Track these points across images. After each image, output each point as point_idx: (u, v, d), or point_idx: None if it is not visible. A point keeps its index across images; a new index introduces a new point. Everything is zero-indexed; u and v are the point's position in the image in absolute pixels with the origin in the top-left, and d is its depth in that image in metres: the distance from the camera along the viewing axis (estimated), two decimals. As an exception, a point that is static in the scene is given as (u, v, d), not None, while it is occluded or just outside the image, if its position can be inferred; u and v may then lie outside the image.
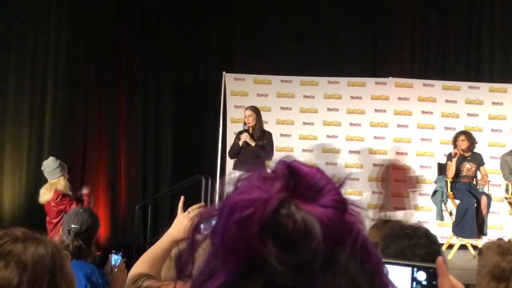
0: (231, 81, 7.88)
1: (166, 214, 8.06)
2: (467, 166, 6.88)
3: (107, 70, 8.01)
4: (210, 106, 8.15)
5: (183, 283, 0.72)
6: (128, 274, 2.05)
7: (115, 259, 3.31)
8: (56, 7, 7.45)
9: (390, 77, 7.79)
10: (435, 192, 6.97)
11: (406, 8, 8.51)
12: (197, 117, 8.47)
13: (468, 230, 6.56)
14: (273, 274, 0.60)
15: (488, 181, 6.95)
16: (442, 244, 6.67)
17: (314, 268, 0.60)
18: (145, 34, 8.35)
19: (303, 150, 7.71)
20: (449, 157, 6.92)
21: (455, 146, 6.87)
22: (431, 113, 7.76)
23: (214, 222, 0.65)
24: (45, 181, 5.69)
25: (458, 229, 6.67)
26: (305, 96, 7.87)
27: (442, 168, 7.12)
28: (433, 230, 2.08)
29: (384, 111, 7.78)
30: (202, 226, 0.67)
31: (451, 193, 6.85)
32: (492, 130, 7.68)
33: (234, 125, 7.60)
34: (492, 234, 6.32)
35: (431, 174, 7.48)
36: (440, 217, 6.94)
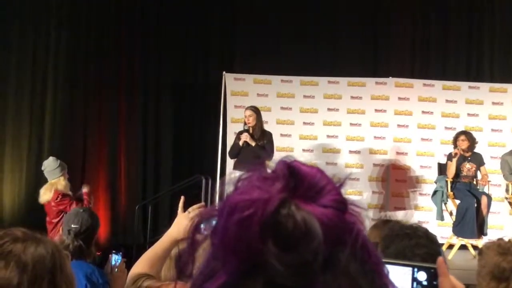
0: (231, 81, 7.88)
1: (166, 214, 8.06)
2: (467, 166, 6.88)
3: (107, 70, 8.01)
4: (210, 106, 8.15)
5: (183, 283, 0.72)
6: (128, 274, 2.04)
7: (115, 259, 3.31)
8: (56, 7, 7.45)
9: (390, 77, 7.79)
10: (435, 192, 6.97)
11: (406, 8, 8.51)
12: (197, 117, 8.47)
13: (468, 230, 6.56)
14: (273, 274, 0.60)
15: (488, 181, 6.95)
16: (443, 244, 6.67)
17: (314, 268, 0.60)
18: (145, 34, 8.35)
19: (303, 150, 7.71)
20: (449, 157, 6.92)
21: (455, 146, 6.87)
22: (431, 113, 7.76)
23: (214, 222, 0.65)
24: (45, 181, 5.69)
25: (458, 229, 6.67)
26: (305, 96, 7.87)
27: (442, 168, 7.12)
28: (433, 230, 2.08)
29: (384, 111, 7.78)
30: (202, 226, 0.67)
31: (451, 193, 6.85)
32: (492, 130, 7.68)
33: (234, 125, 7.59)
34: (492, 234, 6.31)
35: (431, 174, 7.48)
36: (440, 217, 6.93)
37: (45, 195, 5.51)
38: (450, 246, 6.75)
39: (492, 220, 6.95)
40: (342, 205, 0.64)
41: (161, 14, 8.41)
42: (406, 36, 8.49)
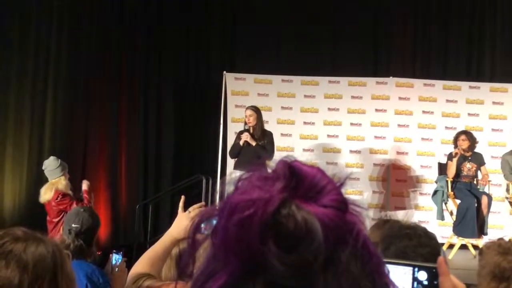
0: (231, 81, 7.88)
1: (166, 214, 8.06)
2: (468, 166, 6.87)
3: (108, 69, 8.01)
4: (210, 105, 8.15)
5: (184, 282, 0.72)
6: (128, 273, 2.04)
7: (116, 258, 3.31)
8: (58, 6, 7.45)
9: (391, 77, 7.79)
10: (435, 192, 6.97)
11: (406, 8, 8.50)
12: (198, 116, 8.47)
13: (469, 230, 6.56)
14: (274, 275, 0.60)
15: (489, 181, 6.95)
16: (443, 244, 6.67)
17: (315, 268, 0.60)
18: (146, 34, 8.35)
19: (304, 149, 7.70)
20: (450, 157, 6.92)
21: (455, 146, 6.87)
22: (432, 112, 7.76)
23: (214, 222, 0.65)
24: (45, 180, 5.69)
25: (459, 229, 6.67)
26: (305, 96, 7.87)
27: (442, 168, 7.12)
28: (433, 230, 2.08)
29: (385, 110, 7.77)
30: (202, 225, 0.67)
31: (452, 193, 6.85)
32: (493, 130, 7.68)
33: (234, 125, 7.60)
34: (493, 234, 6.31)
35: (432, 174, 7.48)
36: (441, 216, 6.93)
37: (46, 194, 5.51)
38: (451, 246, 6.75)
39: (492, 220, 6.95)
40: (342, 205, 0.64)
41: (162, 14, 8.41)
42: (407, 36, 8.49)
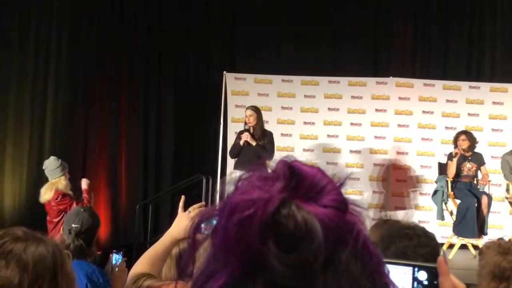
0: (231, 81, 7.88)
1: (166, 214, 8.06)
2: (468, 166, 6.88)
3: (108, 69, 8.01)
4: (211, 105, 8.15)
5: (184, 282, 0.72)
6: (128, 273, 2.05)
7: (116, 258, 3.31)
8: (58, 6, 7.45)
9: (391, 77, 7.79)
10: (435, 192, 6.97)
11: (406, 8, 8.51)
12: (198, 116, 8.47)
13: (469, 230, 6.56)
14: (274, 275, 0.60)
15: (489, 181, 6.95)
16: (443, 244, 6.67)
17: (315, 268, 0.60)
18: (146, 34, 8.35)
19: (304, 149, 7.71)
20: (450, 156, 6.92)
21: (455, 146, 6.87)
22: (432, 112, 7.76)
23: (214, 221, 0.65)
24: (46, 180, 5.69)
25: (459, 228, 6.67)
26: (305, 96, 7.87)
27: (442, 168, 7.12)
28: (433, 230, 2.07)
29: (385, 110, 7.77)
30: (202, 225, 0.67)
31: (452, 192, 6.85)
32: (493, 129, 7.68)
33: (234, 125, 7.60)
34: (493, 233, 6.32)
35: (432, 173, 7.48)
36: (441, 216, 6.93)
37: (46, 194, 5.52)
38: (451, 246, 6.75)
39: (492, 220, 6.95)
40: (342, 205, 0.64)
41: (162, 14, 8.41)
42: (407, 36, 8.49)
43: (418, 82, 7.80)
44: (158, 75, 8.45)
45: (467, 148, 6.81)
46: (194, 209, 2.02)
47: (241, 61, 8.48)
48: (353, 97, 7.81)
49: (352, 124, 7.81)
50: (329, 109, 7.85)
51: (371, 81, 7.83)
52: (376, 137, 7.78)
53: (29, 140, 7.11)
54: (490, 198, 6.73)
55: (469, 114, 7.72)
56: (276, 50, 8.48)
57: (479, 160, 6.92)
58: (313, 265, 0.60)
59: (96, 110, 7.88)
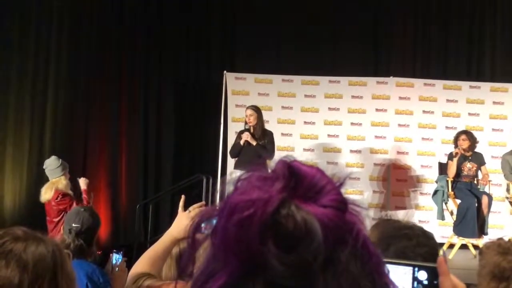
0: (232, 80, 7.88)
1: (167, 213, 8.07)
2: (468, 166, 6.87)
3: (108, 69, 8.01)
4: (211, 105, 8.15)
5: (184, 282, 0.72)
6: (128, 273, 2.05)
7: (116, 258, 3.31)
8: (58, 6, 7.45)
9: (391, 77, 7.79)
10: (436, 192, 6.97)
11: (406, 8, 8.51)
12: (198, 116, 8.47)
13: (469, 230, 6.56)
14: (273, 275, 0.60)
15: (489, 181, 6.95)
16: (443, 244, 6.67)
17: (314, 268, 0.60)
18: (146, 34, 8.35)
19: (304, 149, 7.71)
20: (450, 156, 6.92)
21: (456, 146, 6.87)
22: (432, 112, 7.76)
23: (214, 221, 0.65)
24: (46, 180, 5.70)
25: (459, 228, 6.67)
26: (306, 96, 7.87)
27: (443, 168, 7.12)
28: (434, 230, 2.08)
29: (385, 110, 7.77)
30: (202, 225, 0.67)
31: (452, 192, 6.85)
32: (493, 129, 7.68)
33: (235, 125, 7.60)
34: (493, 233, 6.32)
35: (432, 173, 7.48)
36: (441, 216, 6.93)
37: (46, 194, 5.52)
38: (451, 246, 6.75)
39: (492, 220, 6.95)
40: (342, 204, 0.63)
41: (162, 14, 8.41)
42: (407, 36, 8.49)
43: (418, 82, 7.80)
44: (158, 75, 8.45)
45: (467, 148, 6.81)
46: (194, 209, 2.03)
47: (241, 61, 8.48)
48: (353, 96, 7.81)
49: (352, 123, 7.81)
50: (330, 108, 7.85)
51: (371, 81, 7.83)
52: (376, 136, 7.78)
53: (29, 140, 7.11)
54: (490, 198, 6.73)
55: (469, 114, 7.72)
56: (276, 50, 8.48)
57: (479, 160, 6.92)
58: (312, 265, 0.60)
59: (96, 110, 7.88)
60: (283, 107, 7.85)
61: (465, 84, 7.78)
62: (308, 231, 0.59)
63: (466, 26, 8.40)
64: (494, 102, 7.69)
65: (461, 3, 8.43)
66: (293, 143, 7.75)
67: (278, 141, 7.04)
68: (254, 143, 6.34)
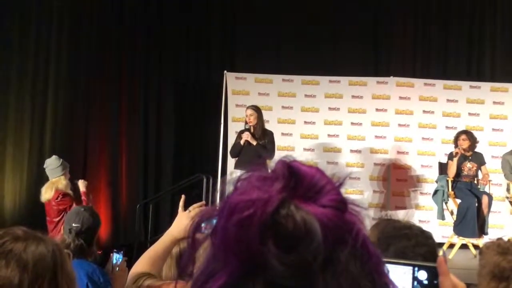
0: (232, 80, 7.88)
1: (167, 213, 8.06)
2: (468, 166, 6.87)
3: (108, 69, 8.01)
4: (211, 105, 8.15)
5: (184, 282, 0.72)
6: (129, 273, 2.05)
7: (116, 258, 3.31)
8: (58, 6, 7.45)
9: (391, 77, 7.79)
10: (436, 192, 6.97)
11: (406, 8, 8.50)
12: (198, 116, 8.47)
13: (469, 230, 6.56)
14: (273, 275, 0.60)
15: (489, 181, 6.95)
16: (443, 244, 6.68)
17: (314, 268, 0.60)
18: (146, 34, 8.35)
19: (304, 149, 7.71)
20: (450, 156, 6.92)
21: (456, 146, 6.87)
22: (432, 112, 7.76)
23: (214, 221, 0.65)
24: (46, 180, 5.70)
25: (459, 228, 6.66)
26: (306, 95, 7.87)
27: (443, 168, 7.12)
28: (434, 230, 2.08)
29: (385, 110, 7.77)
30: (203, 225, 0.67)
31: (452, 192, 6.85)
32: (493, 129, 7.68)
33: (235, 124, 7.59)
34: (493, 233, 6.32)
35: (432, 173, 7.48)
36: (441, 216, 6.93)
37: (46, 193, 5.52)
38: (451, 246, 6.75)
39: (493, 220, 6.95)
40: (341, 204, 0.64)
41: (162, 14, 8.41)
42: (407, 36, 8.49)
43: (418, 82, 7.80)
44: (158, 75, 8.45)
45: (467, 148, 6.81)
46: (194, 209, 2.03)
47: (241, 61, 8.48)
48: (353, 96, 7.81)
49: (352, 123, 7.81)
50: (330, 108, 7.85)
51: (371, 80, 7.83)
52: (376, 136, 7.78)
53: (30, 139, 7.12)
54: (490, 197, 6.73)
55: (469, 114, 7.72)
56: (276, 50, 8.49)
57: (479, 160, 6.92)
58: (312, 265, 0.60)
59: (96, 110, 7.88)
60: (283, 107, 7.86)
61: (465, 84, 7.78)
62: (308, 231, 0.60)
63: (466, 26, 8.40)
64: (494, 102, 7.69)
65: (461, 3, 8.43)
66: (293, 143, 7.75)
67: (278, 141, 7.04)
68: (254, 143, 6.34)
